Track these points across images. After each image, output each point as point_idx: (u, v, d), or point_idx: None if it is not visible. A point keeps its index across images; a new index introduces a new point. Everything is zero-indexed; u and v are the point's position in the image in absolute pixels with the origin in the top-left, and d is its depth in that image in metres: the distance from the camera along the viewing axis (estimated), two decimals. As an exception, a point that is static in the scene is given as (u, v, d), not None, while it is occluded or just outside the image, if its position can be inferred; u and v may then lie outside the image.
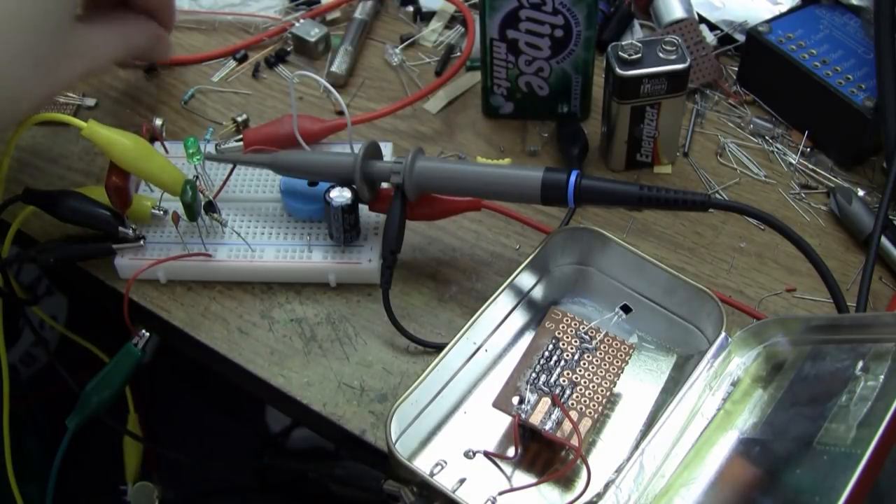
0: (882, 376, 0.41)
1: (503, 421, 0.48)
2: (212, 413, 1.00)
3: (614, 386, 0.49)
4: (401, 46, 0.73)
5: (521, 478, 0.47)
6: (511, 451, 0.47)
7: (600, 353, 0.50)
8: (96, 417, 0.55)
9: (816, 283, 0.55)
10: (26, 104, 0.52)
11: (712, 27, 0.72)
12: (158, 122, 0.66)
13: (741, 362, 0.50)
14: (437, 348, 0.52)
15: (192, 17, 0.75)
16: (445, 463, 0.48)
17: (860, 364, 0.43)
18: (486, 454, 0.48)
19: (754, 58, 0.67)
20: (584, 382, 0.49)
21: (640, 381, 0.52)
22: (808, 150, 0.65)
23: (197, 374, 0.95)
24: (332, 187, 0.54)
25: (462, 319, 0.54)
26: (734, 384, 0.49)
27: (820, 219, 0.61)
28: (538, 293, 0.55)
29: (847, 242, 0.60)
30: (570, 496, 0.46)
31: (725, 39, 0.72)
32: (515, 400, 0.48)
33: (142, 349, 0.54)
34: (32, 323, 0.68)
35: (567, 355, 0.50)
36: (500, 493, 0.46)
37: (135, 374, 0.55)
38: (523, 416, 0.47)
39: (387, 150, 0.61)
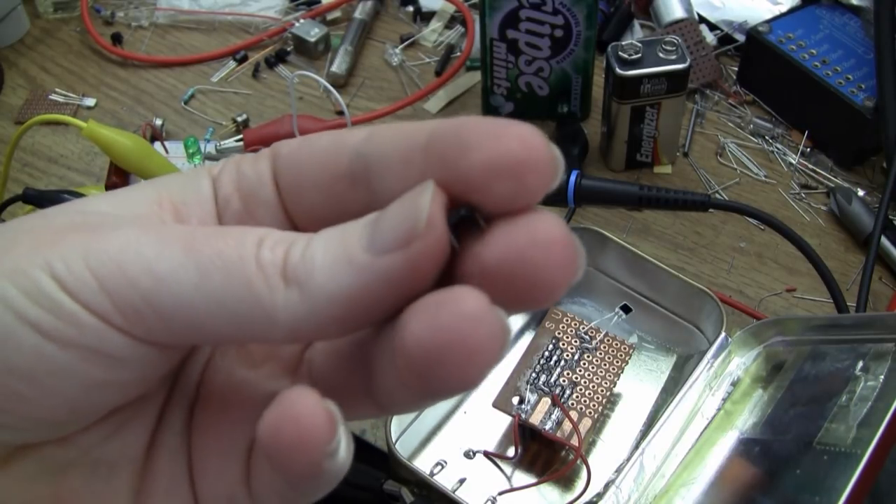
0: (882, 376, 0.41)
1: (503, 421, 0.48)
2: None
3: (614, 386, 0.49)
4: (401, 46, 0.73)
5: (521, 478, 0.47)
6: (511, 451, 0.47)
7: (600, 353, 0.50)
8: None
9: (816, 283, 0.55)
10: None
11: (712, 27, 0.72)
12: (158, 122, 0.66)
13: (741, 362, 0.50)
14: (437, 348, 0.52)
15: (192, 17, 0.75)
16: (445, 463, 0.48)
17: (860, 364, 0.43)
18: (486, 454, 0.48)
19: (754, 58, 0.67)
20: (584, 382, 0.49)
21: (640, 381, 0.52)
22: (808, 150, 0.65)
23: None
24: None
25: (462, 319, 0.54)
26: (734, 384, 0.49)
27: (820, 219, 0.61)
28: (538, 293, 0.55)
29: (847, 242, 0.60)
30: (570, 496, 0.46)
31: (725, 39, 0.72)
32: (515, 400, 0.48)
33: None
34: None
35: (567, 355, 0.50)
36: (500, 493, 0.46)
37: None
38: (523, 416, 0.47)
39: (387, 150, 0.61)
